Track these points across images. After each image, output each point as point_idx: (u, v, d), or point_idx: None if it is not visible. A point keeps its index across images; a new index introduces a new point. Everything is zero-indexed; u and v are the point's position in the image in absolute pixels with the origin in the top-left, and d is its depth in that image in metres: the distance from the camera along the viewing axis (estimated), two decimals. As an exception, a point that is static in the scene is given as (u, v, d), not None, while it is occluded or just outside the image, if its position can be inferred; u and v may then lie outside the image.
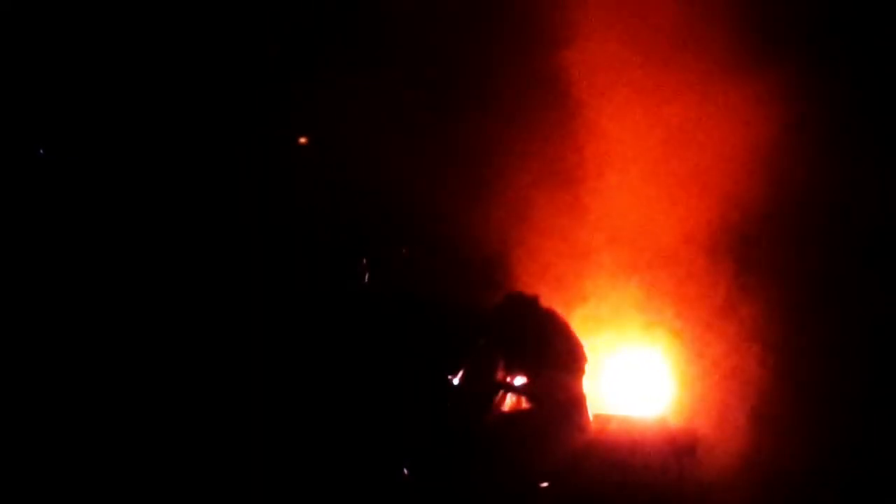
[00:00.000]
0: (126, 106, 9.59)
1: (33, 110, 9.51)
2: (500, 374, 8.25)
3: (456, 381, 8.23)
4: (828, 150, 8.91)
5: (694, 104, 9.02)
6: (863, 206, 8.99)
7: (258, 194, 9.57)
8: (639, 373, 9.00)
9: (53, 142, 9.59)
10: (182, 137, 9.60)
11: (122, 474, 8.35)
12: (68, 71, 9.54)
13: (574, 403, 8.22)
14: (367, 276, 9.29)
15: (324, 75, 9.64)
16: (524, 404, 8.20)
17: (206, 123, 9.61)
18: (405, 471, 8.10)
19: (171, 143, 9.57)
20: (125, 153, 9.56)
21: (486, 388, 8.21)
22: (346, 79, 9.53)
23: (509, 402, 8.26)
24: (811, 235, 8.88)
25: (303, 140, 9.89)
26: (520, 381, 8.24)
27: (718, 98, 8.98)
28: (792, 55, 8.87)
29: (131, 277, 9.25)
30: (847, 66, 8.94)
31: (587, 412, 8.33)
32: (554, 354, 8.28)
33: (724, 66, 8.93)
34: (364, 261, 9.32)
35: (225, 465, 8.35)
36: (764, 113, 8.88)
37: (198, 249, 9.34)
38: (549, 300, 8.49)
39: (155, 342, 8.93)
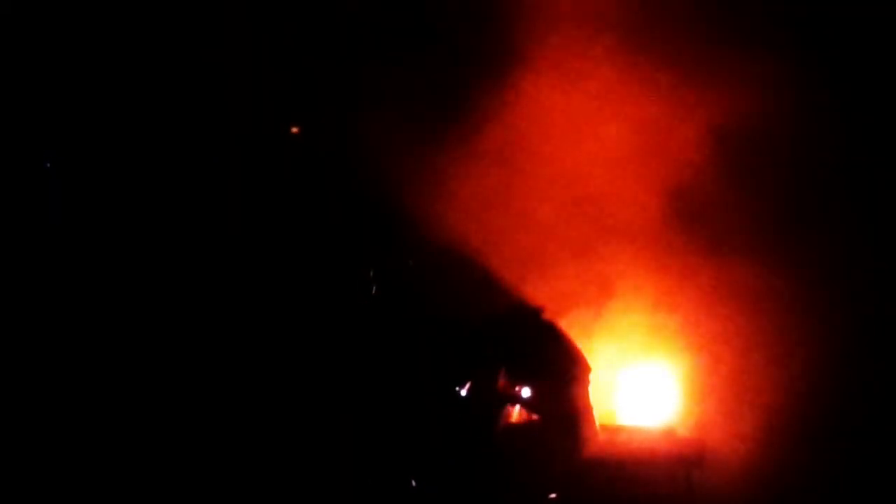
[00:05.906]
0: (129, 107, 9.60)
1: (33, 111, 9.53)
2: (506, 386, 8.25)
3: (463, 393, 8.24)
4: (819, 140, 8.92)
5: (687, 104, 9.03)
6: (861, 202, 8.99)
7: (264, 203, 9.59)
8: (646, 383, 8.99)
9: (53, 143, 9.61)
10: (188, 143, 9.63)
11: (123, 474, 8.36)
12: (67, 71, 9.56)
13: (581, 414, 8.23)
14: (373, 289, 9.30)
15: (330, 83, 9.68)
16: (531, 416, 8.20)
17: (212, 130, 9.64)
18: (413, 482, 8.11)
19: (178, 149, 9.60)
20: (131, 156, 9.58)
21: (492, 400, 8.22)
22: (351, 85, 9.56)
23: (516, 413, 8.26)
24: (826, 238, 8.85)
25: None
26: (526, 392, 8.24)
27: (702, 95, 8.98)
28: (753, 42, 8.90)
29: (139, 291, 9.28)
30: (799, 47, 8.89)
31: (594, 423, 8.34)
32: (558, 365, 8.28)
33: (693, 60, 8.95)
34: (370, 273, 9.33)
35: (233, 471, 8.36)
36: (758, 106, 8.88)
37: (204, 259, 9.36)
38: (553, 312, 8.50)
39: (160, 347, 8.96)
